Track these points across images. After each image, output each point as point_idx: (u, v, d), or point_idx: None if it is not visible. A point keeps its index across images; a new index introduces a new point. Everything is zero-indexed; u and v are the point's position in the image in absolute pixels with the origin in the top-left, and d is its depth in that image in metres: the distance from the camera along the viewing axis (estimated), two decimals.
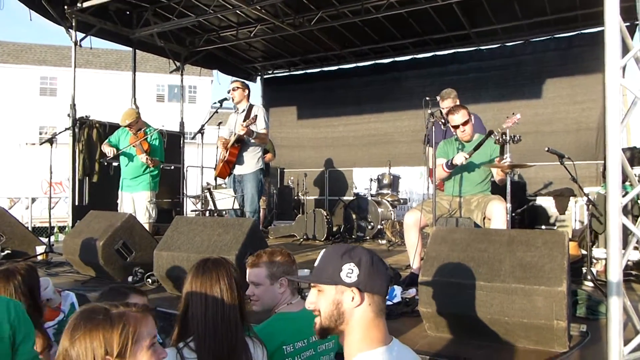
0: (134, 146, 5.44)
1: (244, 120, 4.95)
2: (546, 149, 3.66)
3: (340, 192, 8.89)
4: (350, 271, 1.33)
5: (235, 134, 5.04)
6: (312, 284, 1.42)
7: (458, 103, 4.83)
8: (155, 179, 5.66)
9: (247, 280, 2.18)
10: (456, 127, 3.91)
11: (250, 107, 5.15)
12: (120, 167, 5.71)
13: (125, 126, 5.48)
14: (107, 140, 5.70)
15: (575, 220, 6.17)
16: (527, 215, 6.30)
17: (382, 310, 1.36)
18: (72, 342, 1.20)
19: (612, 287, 2.14)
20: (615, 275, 2.14)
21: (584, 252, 4.04)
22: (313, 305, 1.39)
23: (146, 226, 5.59)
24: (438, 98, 3.89)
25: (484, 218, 3.80)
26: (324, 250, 1.44)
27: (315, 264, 1.43)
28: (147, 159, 5.37)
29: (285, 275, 2.11)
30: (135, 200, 5.58)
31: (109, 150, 5.45)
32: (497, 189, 4.04)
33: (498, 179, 3.87)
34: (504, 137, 3.43)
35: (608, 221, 2.16)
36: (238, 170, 5.18)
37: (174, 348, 1.66)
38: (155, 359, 1.29)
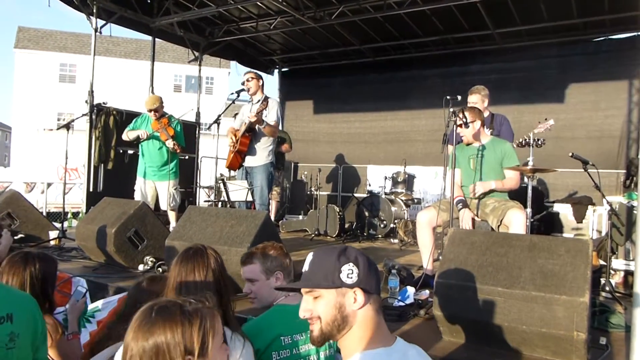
0: (157, 131, 5.51)
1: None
2: (570, 154, 3.55)
3: (354, 189, 8.83)
4: (350, 271, 1.28)
5: (246, 123, 5.00)
6: (304, 291, 1.34)
7: (487, 103, 4.67)
8: (177, 167, 5.79)
9: (243, 277, 2.17)
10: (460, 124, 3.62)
11: (266, 98, 5.10)
12: (141, 154, 5.75)
13: (152, 110, 5.53)
14: (128, 129, 5.71)
15: (593, 230, 6.04)
16: (543, 222, 6.18)
17: (380, 309, 1.33)
18: (146, 339, 1.11)
19: (638, 299, 2.06)
20: None
21: (602, 262, 3.93)
22: (309, 313, 1.31)
23: (172, 213, 5.71)
24: (459, 97, 3.77)
25: (500, 225, 3.69)
26: (311, 254, 1.37)
27: (305, 269, 1.35)
28: (174, 144, 5.46)
29: (280, 273, 2.12)
30: (160, 188, 5.69)
31: (142, 133, 5.51)
32: (514, 194, 3.93)
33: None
34: (526, 140, 3.34)
35: (637, 232, 2.07)
36: (248, 161, 5.12)
37: None
38: (225, 355, 1.25)
